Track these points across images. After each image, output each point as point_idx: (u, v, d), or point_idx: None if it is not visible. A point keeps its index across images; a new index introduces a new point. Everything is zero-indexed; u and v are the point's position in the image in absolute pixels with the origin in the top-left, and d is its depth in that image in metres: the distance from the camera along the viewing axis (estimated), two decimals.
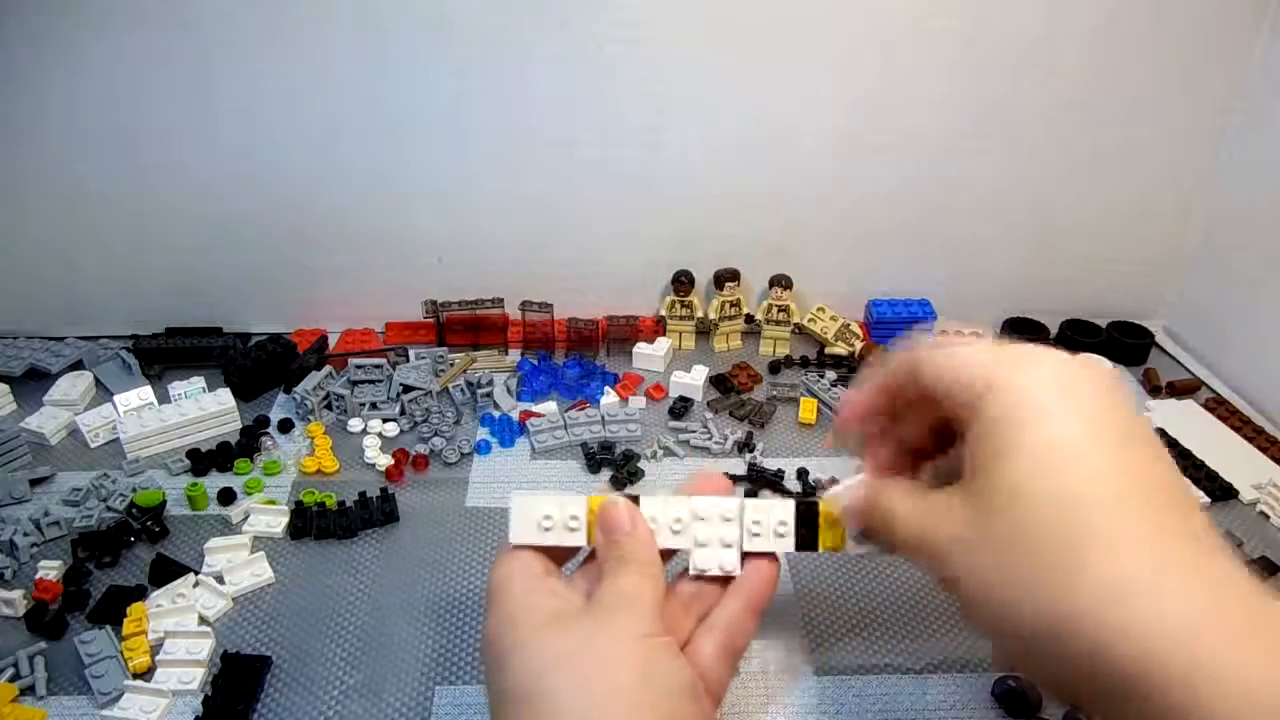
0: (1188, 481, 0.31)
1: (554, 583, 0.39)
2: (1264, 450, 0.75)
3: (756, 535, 0.41)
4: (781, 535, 0.40)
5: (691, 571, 0.40)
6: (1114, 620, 0.27)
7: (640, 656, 0.34)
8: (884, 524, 0.36)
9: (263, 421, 0.76)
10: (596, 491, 0.42)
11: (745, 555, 0.41)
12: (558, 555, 0.41)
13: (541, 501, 0.40)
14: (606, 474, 0.71)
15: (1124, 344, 0.88)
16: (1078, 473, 0.29)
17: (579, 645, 0.35)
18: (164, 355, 0.83)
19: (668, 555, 0.40)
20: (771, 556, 0.41)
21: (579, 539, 0.40)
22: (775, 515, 0.41)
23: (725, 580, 0.41)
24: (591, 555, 0.41)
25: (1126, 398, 0.32)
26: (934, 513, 0.34)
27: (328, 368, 0.80)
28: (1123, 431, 0.31)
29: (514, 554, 0.40)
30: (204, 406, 0.75)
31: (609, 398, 0.79)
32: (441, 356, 0.84)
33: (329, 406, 0.78)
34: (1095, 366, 0.33)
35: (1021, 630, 0.29)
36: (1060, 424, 0.30)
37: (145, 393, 0.76)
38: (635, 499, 0.40)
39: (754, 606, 0.40)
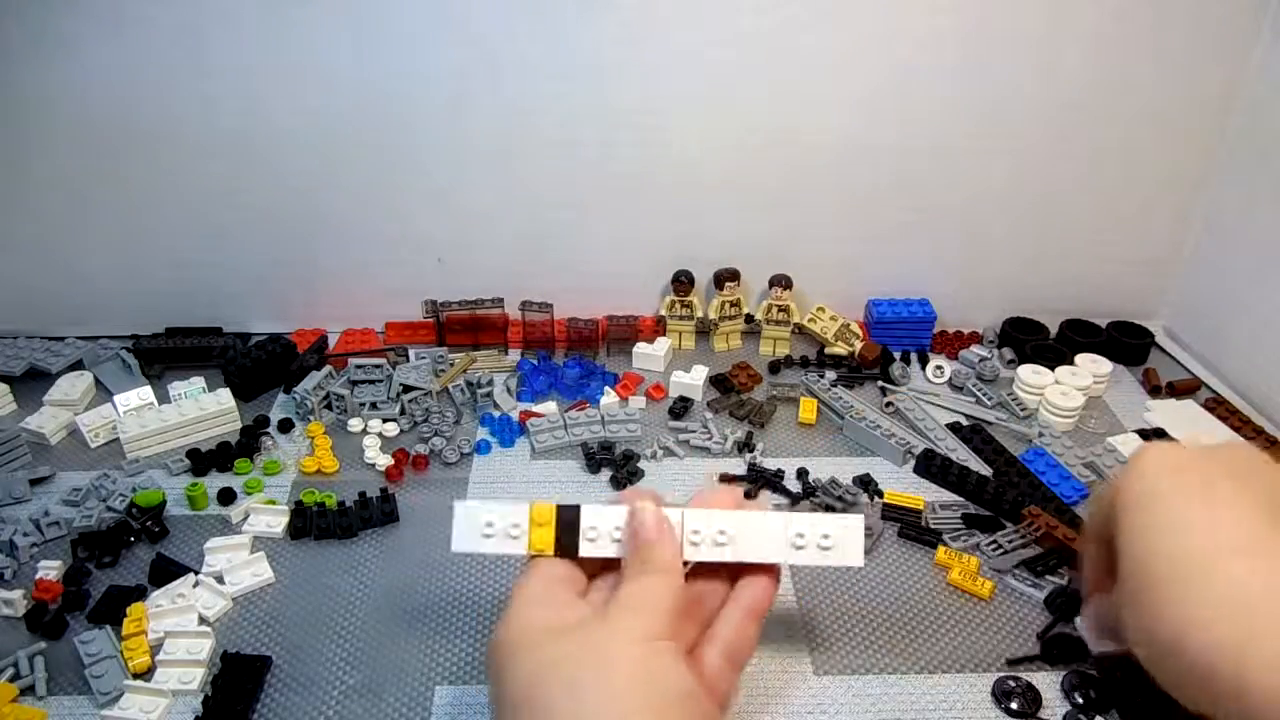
0: None
1: (567, 592, 0.39)
2: (1264, 450, 0.75)
3: (800, 549, 0.43)
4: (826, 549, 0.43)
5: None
6: (1195, 640, 0.34)
7: (639, 659, 0.34)
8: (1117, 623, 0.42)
9: (263, 421, 0.76)
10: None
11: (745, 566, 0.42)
12: (589, 566, 0.42)
13: (484, 509, 0.41)
14: (606, 474, 0.71)
15: (1124, 344, 0.88)
16: (1166, 523, 0.38)
17: (576, 649, 0.35)
18: (164, 355, 0.83)
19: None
20: (772, 567, 0.42)
21: (519, 547, 0.41)
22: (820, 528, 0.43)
23: (729, 584, 0.41)
24: (617, 564, 0.41)
25: (1235, 454, 0.42)
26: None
27: (328, 368, 0.80)
28: (1207, 485, 0.39)
29: (534, 564, 0.41)
30: (204, 406, 0.75)
31: (609, 398, 0.79)
32: (441, 356, 0.84)
33: (329, 406, 0.78)
34: (1196, 443, 0.43)
35: (1172, 664, 0.36)
36: (1149, 493, 0.39)
37: (145, 393, 0.76)
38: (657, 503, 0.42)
39: (755, 615, 0.41)
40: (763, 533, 0.42)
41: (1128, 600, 0.38)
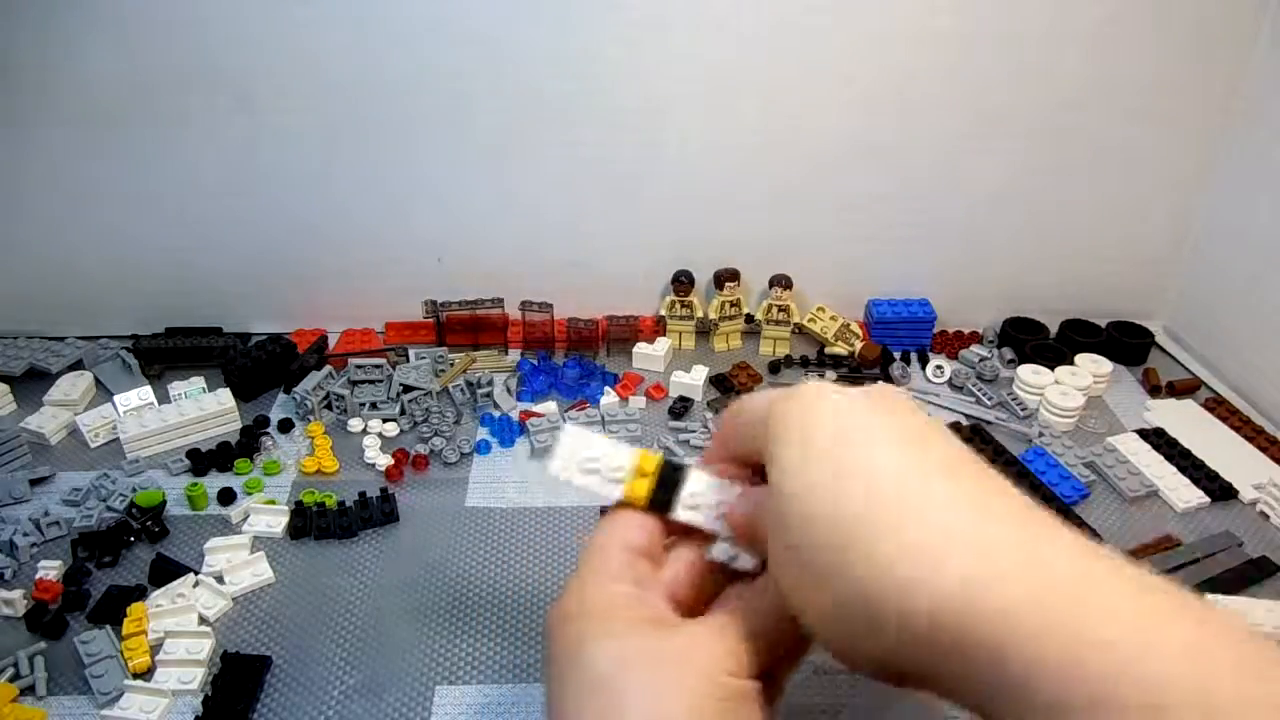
0: (965, 450, 0.30)
1: (646, 568, 0.36)
2: (1264, 450, 0.75)
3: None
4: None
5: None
6: (941, 582, 0.26)
7: (726, 697, 0.32)
8: (757, 527, 0.35)
9: (263, 421, 0.76)
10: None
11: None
12: (674, 527, 0.38)
13: (593, 442, 0.39)
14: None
15: (1124, 344, 0.88)
16: (862, 453, 0.29)
17: (669, 654, 0.32)
18: (164, 355, 0.83)
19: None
20: None
21: (616, 491, 0.38)
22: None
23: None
24: (694, 533, 0.38)
25: (903, 401, 0.32)
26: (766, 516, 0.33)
27: (328, 368, 0.80)
28: (896, 418, 0.31)
29: (618, 519, 0.37)
30: (204, 406, 0.75)
31: (609, 398, 0.79)
32: (441, 356, 0.84)
33: (329, 406, 0.78)
34: (883, 387, 0.33)
35: (831, 614, 0.29)
36: (833, 417, 0.31)
37: (145, 393, 0.76)
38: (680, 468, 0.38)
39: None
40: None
41: (795, 560, 0.30)
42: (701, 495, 0.39)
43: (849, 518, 0.28)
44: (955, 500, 0.28)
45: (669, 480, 0.39)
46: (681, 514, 0.39)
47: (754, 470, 0.38)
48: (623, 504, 0.38)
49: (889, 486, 0.28)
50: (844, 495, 0.28)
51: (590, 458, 0.39)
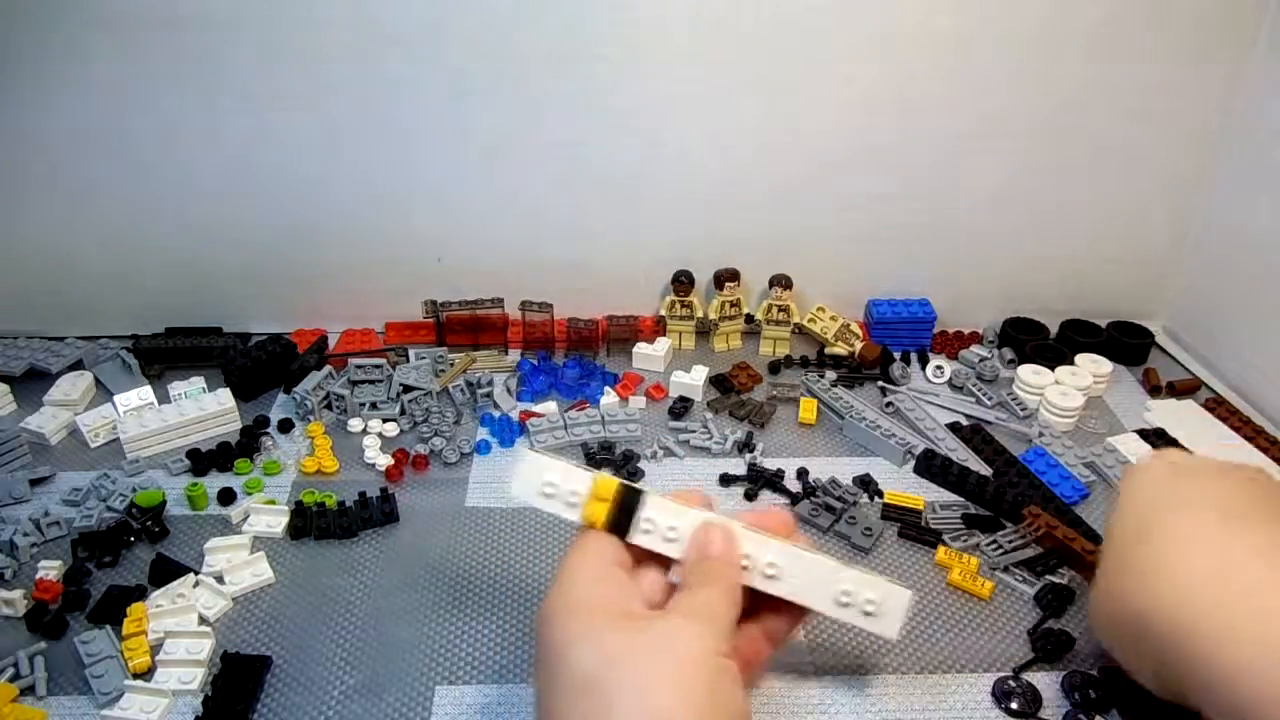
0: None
1: (624, 576, 0.39)
2: (1264, 450, 0.75)
3: (845, 606, 0.42)
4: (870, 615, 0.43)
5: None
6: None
7: (710, 673, 0.34)
8: None
9: (263, 421, 0.76)
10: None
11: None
12: (637, 552, 0.41)
13: (550, 467, 0.40)
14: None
15: (1124, 344, 0.88)
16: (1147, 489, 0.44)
17: (648, 648, 0.34)
18: (164, 355, 0.83)
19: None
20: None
21: (573, 514, 0.41)
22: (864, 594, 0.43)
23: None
24: (655, 558, 0.41)
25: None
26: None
27: (328, 368, 0.80)
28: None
29: (592, 536, 0.40)
30: (204, 406, 0.75)
31: (609, 398, 0.79)
32: (441, 356, 0.84)
33: (329, 406, 0.78)
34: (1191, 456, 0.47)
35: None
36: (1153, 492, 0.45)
37: (145, 393, 0.76)
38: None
39: (773, 641, 0.42)
40: (810, 576, 0.42)
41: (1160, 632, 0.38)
42: (657, 520, 0.40)
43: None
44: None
45: (627, 505, 0.40)
46: (637, 537, 0.40)
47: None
48: (584, 526, 0.40)
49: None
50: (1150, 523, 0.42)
51: (548, 482, 0.40)
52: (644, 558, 0.41)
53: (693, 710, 0.32)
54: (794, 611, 0.42)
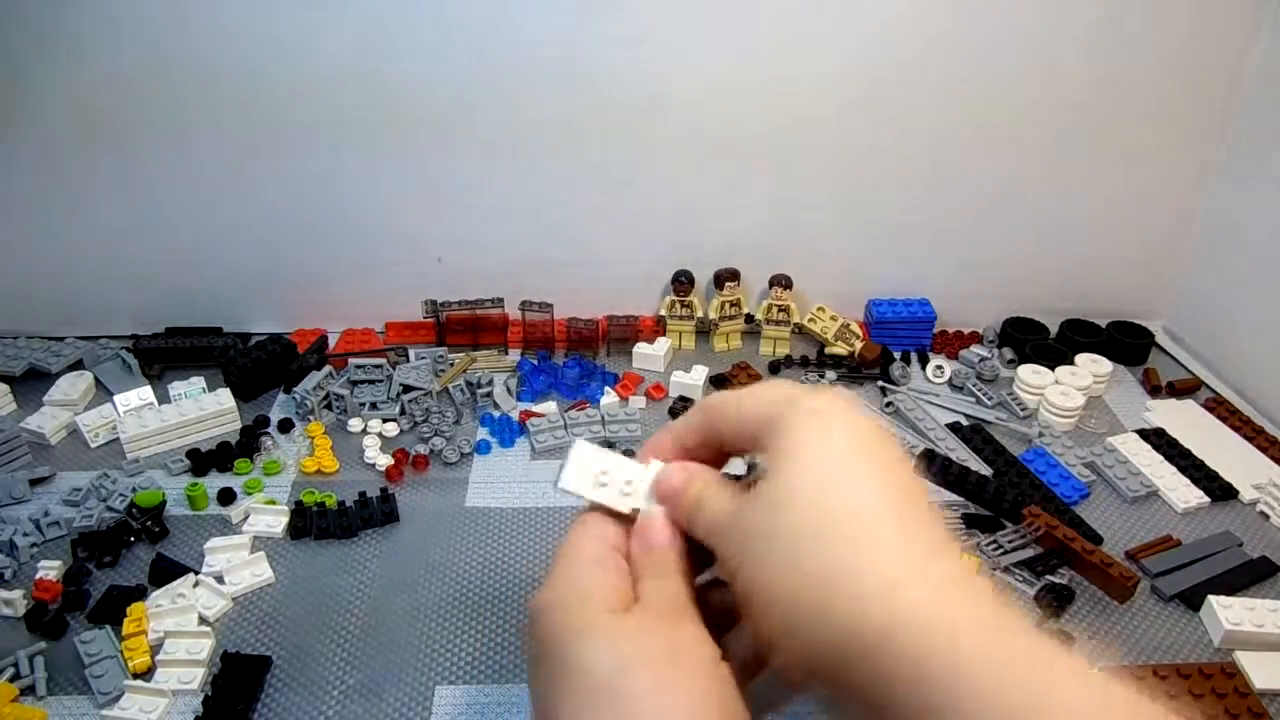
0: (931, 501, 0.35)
1: (620, 561, 0.38)
2: (1264, 450, 0.75)
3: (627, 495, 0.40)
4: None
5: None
6: (885, 610, 0.30)
7: (721, 683, 0.33)
8: (692, 508, 0.38)
9: (263, 421, 0.76)
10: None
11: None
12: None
13: (603, 457, 0.40)
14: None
15: (1124, 344, 0.88)
16: (857, 485, 0.33)
17: (665, 652, 0.33)
18: (164, 355, 0.83)
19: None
20: None
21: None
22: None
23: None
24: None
25: (889, 438, 0.36)
26: (734, 505, 0.36)
27: (328, 368, 0.80)
28: (892, 461, 0.35)
29: (593, 518, 0.40)
30: (204, 406, 0.75)
31: (609, 398, 0.79)
32: (441, 356, 0.84)
33: (329, 406, 0.78)
34: (864, 413, 0.37)
35: (798, 618, 0.32)
36: (845, 441, 0.34)
37: (145, 393, 0.76)
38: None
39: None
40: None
41: (775, 539, 0.33)
42: (621, 478, 0.40)
43: (834, 547, 0.32)
44: (916, 540, 0.32)
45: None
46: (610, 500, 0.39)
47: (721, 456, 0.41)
48: (595, 506, 0.40)
49: (875, 525, 0.32)
50: (849, 524, 0.32)
51: (603, 470, 0.40)
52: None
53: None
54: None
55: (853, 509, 0.32)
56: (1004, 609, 0.30)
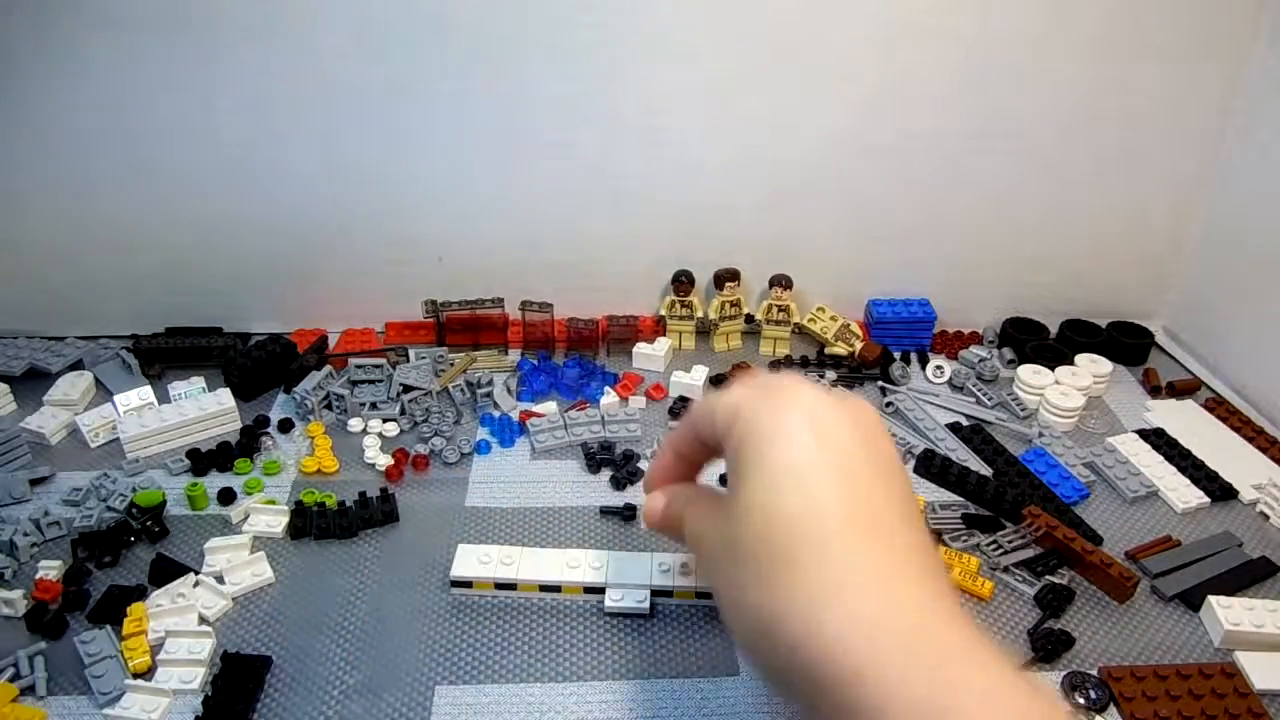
0: (911, 507, 0.36)
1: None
2: (1264, 450, 0.75)
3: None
4: None
5: None
6: (806, 624, 0.31)
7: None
8: (675, 521, 0.42)
9: (263, 421, 0.76)
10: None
11: None
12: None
13: None
14: (606, 474, 0.71)
15: (1124, 344, 0.88)
16: (802, 494, 0.34)
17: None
18: (164, 355, 0.83)
19: None
20: None
21: None
22: None
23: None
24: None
25: (875, 434, 0.37)
26: (707, 519, 0.39)
27: (328, 368, 0.80)
28: (851, 462, 0.35)
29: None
30: (204, 406, 0.75)
31: (609, 398, 0.79)
32: (441, 356, 0.84)
33: (329, 406, 0.78)
34: (850, 404, 0.37)
35: (748, 627, 0.34)
36: (796, 449, 0.35)
37: (145, 393, 0.76)
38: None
39: None
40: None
41: (733, 561, 0.35)
42: None
43: (781, 535, 0.33)
44: (871, 561, 0.32)
45: None
46: None
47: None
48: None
49: (822, 535, 0.33)
50: (789, 535, 0.33)
51: None
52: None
53: None
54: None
55: (798, 532, 0.33)
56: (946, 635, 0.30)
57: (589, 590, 0.58)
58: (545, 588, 0.58)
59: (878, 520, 0.33)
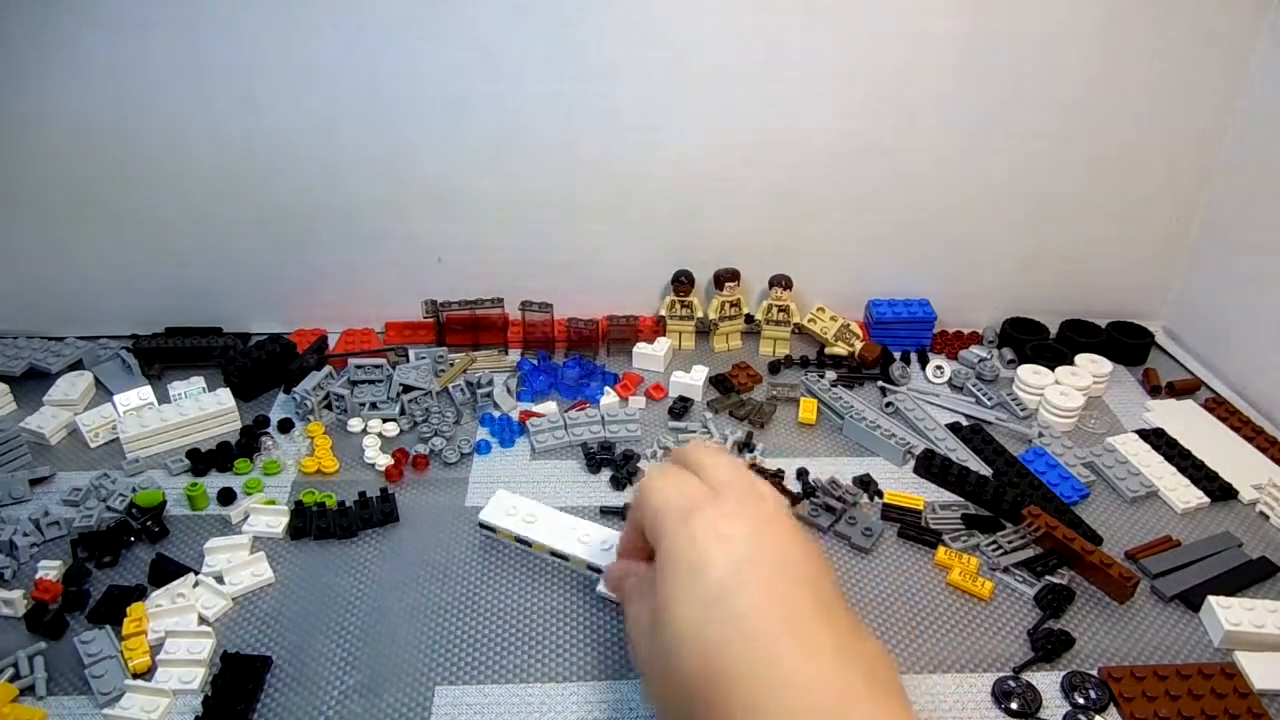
0: (836, 598, 0.41)
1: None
2: (1264, 450, 0.75)
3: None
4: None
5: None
6: None
7: None
8: (626, 600, 0.48)
9: (263, 421, 0.76)
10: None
11: None
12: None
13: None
14: (606, 474, 0.71)
15: (1124, 344, 0.88)
16: (727, 622, 0.38)
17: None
18: (164, 355, 0.83)
19: None
20: None
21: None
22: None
23: None
24: None
25: (787, 540, 0.41)
26: (644, 619, 0.43)
27: (328, 368, 0.80)
28: (772, 575, 0.39)
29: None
30: (204, 406, 0.75)
31: (609, 398, 0.79)
32: (441, 356, 0.84)
33: (329, 406, 0.78)
34: (764, 514, 0.42)
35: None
36: (716, 576, 0.39)
37: (145, 393, 0.77)
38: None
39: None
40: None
41: (665, 681, 0.40)
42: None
43: (716, 665, 0.37)
44: (813, 662, 0.36)
45: None
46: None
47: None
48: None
49: (757, 646, 0.37)
50: (716, 648, 0.37)
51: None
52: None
53: None
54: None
55: (701, 654, 0.37)
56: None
57: (592, 568, 0.60)
58: (555, 554, 0.61)
59: (800, 625, 0.37)
